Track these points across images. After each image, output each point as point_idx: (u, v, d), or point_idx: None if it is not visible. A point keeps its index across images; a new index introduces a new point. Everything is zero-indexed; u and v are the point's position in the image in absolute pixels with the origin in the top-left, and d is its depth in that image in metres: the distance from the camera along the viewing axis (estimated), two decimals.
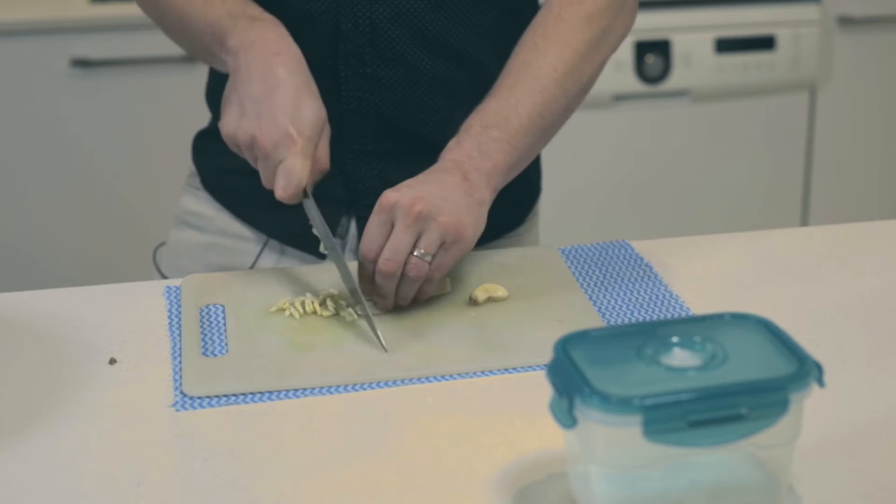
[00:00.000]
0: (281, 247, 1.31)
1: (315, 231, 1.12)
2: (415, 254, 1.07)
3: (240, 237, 1.33)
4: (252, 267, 1.32)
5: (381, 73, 1.25)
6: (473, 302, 1.11)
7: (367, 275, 1.09)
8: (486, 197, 1.11)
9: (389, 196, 1.07)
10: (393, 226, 1.07)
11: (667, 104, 2.56)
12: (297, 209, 1.12)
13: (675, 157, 2.62)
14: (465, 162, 1.12)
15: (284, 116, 1.08)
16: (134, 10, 2.32)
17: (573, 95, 1.19)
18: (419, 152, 1.23)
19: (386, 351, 1.04)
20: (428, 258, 1.07)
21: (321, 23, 1.23)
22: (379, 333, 1.05)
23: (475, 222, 1.09)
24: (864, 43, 2.63)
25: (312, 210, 1.11)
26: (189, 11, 1.19)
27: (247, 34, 1.13)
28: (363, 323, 1.08)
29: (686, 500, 0.79)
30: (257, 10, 1.17)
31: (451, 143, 1.15)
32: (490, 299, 1.12)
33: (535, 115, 1.16)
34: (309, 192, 1.10)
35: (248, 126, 1.09)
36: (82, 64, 2.35)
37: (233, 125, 1.10)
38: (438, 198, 1.07)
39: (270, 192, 1.12)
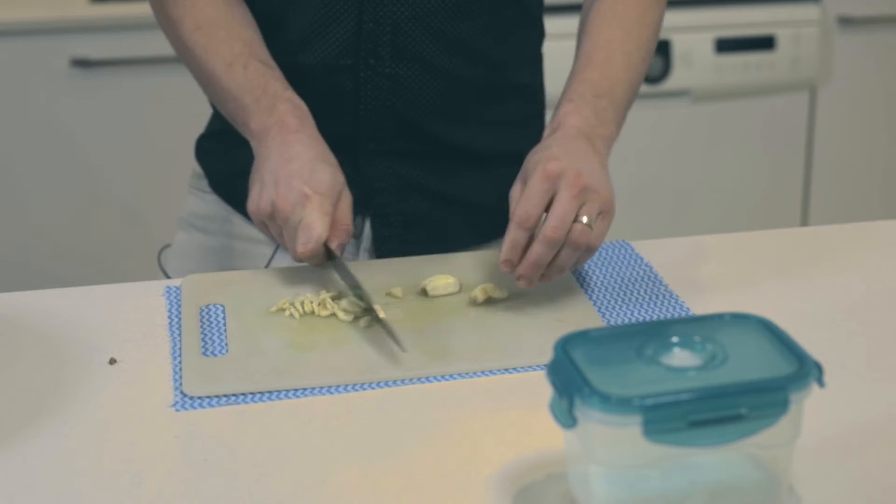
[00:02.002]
0: None
1: (351, 291, 1.12)
2: (580, 221, 1.05)
3: (252, 240, 1.33)
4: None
5: (400, 72, 1.25)
6: (473, 302, 1.11)
7: (519, 246, 1.05)
8: (606, 165, 1.13)
9: (554, 166, 1.06)
10: (554, 196, 1.05)
11: (667, 104, 2.56)
12: None
13: (676, 157, 2.62)
14: (588, 130, 1.13)
15: (299, 180, 1.11)
16: (134, 10, 2.34)
17: (648, 68, 1.25)
18: (434, 152, 1.24)
19: (404, 350, 1.03)
20: (589, 223, 1.05)
21: (344, 22, 1.23)
22: (396, 335, 1.03)
23: (613, 192, 1.10)
24: (864, 43, 2.63)
25: (342, 272, 1.11)
26: (213, 72, 1.21)
27: (267, 118, 1.16)
28: (360, 324, 1.08)
29: (686, 500, 0.79)
30: (279, 86, 1.19)
31: (568, 108, 1.15)
32: (490, 299, 1.12)
33: (630, 87, 1.20)
34: (336, 253, 1.11)
35: (268, 195, 1.11)
36: (82, 64, 2.35)
37: (255, 200, 1.13)
38: (590, 170, 1.07)
39: None
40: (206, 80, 1.23)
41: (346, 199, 1.14)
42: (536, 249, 1.04)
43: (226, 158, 1.35)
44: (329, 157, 1.15)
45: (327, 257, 1.12)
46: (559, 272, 1.07)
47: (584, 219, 1.05)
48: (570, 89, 1.17)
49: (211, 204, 1.36)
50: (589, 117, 1.14)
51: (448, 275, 1.14)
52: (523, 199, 1.05)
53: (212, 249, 1.35)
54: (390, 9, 1.23)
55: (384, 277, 1.16)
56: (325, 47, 1.23)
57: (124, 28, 2.35)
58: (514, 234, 1.05)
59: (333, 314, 1.09)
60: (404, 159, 1.28)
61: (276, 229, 1.13)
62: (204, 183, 1.37)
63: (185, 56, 1.25)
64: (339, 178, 1.14)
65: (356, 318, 1.09)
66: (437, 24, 1.24)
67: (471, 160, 1.30)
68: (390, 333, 1.04)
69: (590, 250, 1.07)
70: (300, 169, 1.12)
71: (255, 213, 1.14)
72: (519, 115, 1.33)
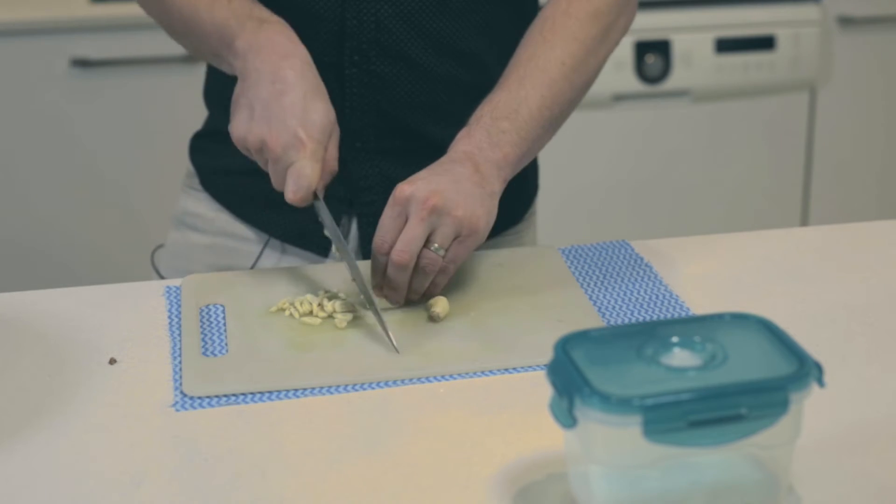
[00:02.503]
0: (282, 246, 1.32)
1: (326, 233, 1.12)
2: (429, 248, 1.07)
3: (240, 237, 1.33)
4: (252, 267, 1.32)
5: (385, 70, 1.25)
6: (435, 318, 1.09)
7: (380, 268, 1.09)
8: (497, 188, 1.12)
9: (404, 189, 1.08)
10: (407, 219, 1.08)
11: (667, 104, 2.56)
12: (299, 209, 1.12)
13: (675, 157, 2.62)
14: (476, 153, 1.12)
15: (294, 119, 1.08)
16: (134, 10, 2.33)
17: (579, 89, 1.21)
18: (420, 150, 1.23)
19: (398, 352, 1.03)
20: (441, 252, 1.08)
21: (327, 20, 1.23)
22: (390, 334, 1.05)
23: (488, 213, 1.10)
24: (864, 43, 2.63)
25: (323, 212, 1.11)
26: (194, 13, 1.19)
27: (255, 37, 1.13)
28: (368, 323, 1.08)
29: (686, 500, 0.79)
30: (265, 12, 1.17)
31: (462, 134, 1.15)
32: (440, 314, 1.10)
33: (544, 108, 1.17)
34: (319, 194, 1.11)
35: (258, 129, 1.09)
36: (82, 64, 2.35)
37: (243, 128, 1.11)
38: (452, 191, 1.08)
39: (272, 192, 1.12)
40: (188, 27, 1.20)
41: (335, 138, 1.13)
42: (390, 272, 1.08)
43: (216, 157, 1.35)
44: (321, 88, 1.12)
45: (313, 198, 1.11)
46: (415, 293, 1.10)
47: (435, 245, 1.07)
48: (474, 113, 1.17)
49: (202, 202, 1.36)
50: (479, 141, 1.13)
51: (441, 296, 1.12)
52: (378, 226, 1.09)
53: (202, 247, 1.35)
54: (373, 7, 1.23)
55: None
56: (309, 44, 1.23)
57: (124, 28, 2.35)
58: (374, 260, 1.10)
59: (331, 316, 1.09)
60: (391, 158, 1.28)
61: (262, 160, 1.11)
62: (196, 181, 1.37)
63: (165, 15, 1.23)
64: (332, 115, 1.12)
65: (355, 318, 1.09)
66: (423, 22, 1.24)
67: None
68: (385, 332, 1.05)
69: (444, 273, 1.10)
70: (293, 105, 1.09)
71: (241, 142, 1.11)
72: None
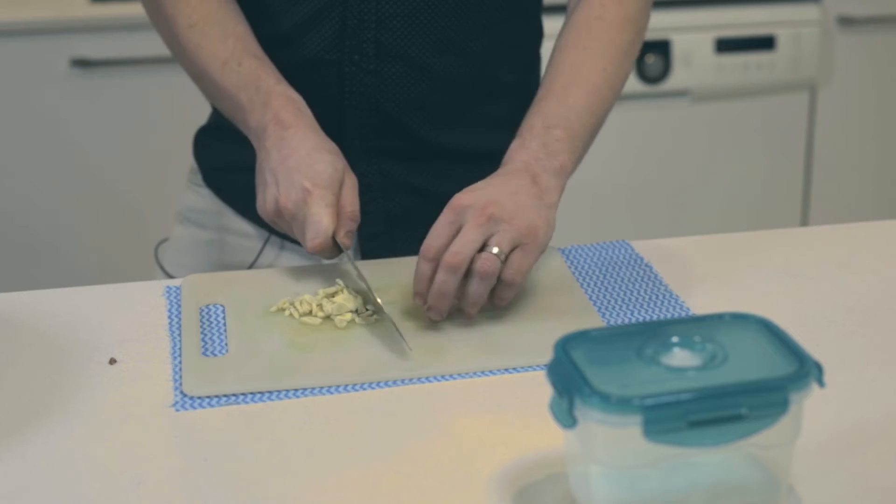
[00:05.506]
0: (281, 242, 1.32)
1: (352, 288, 1.11)
2: (485, 250, 1.04)
3: (241, 234, 1.34)
4: (253, 264, 1.32)
5: (384, 69, 1.25)
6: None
7: (425, 277, 1.05)
8: (555, 199, 1.11)
9: (461, 198, 1.06)
10: (461, 227, 1.05)
11: (667, 104, 2.56)
12: None
13: (675, 157, 2.62)
14: (534, 163, 1.12)
15: (299, 175, 1.11)
16: (134, 10, 2.33)
17: (617, 93, 1.22)
18: (420, 150, 1.23)
19: (410, 350, 1.03)
20: (499, 254, 1.04)
21: (328, 18, 1.24)
22: (402, 334, 1.04)
23: (547, 224, 1.08)
24: (864, 43, 2.63)
25: (350, 264, 1.11)
26: (208, 71, 1.21)
27: (262, 116, 1.16)
28: (368, 323, 1.08)
29: (686, 500, 0.79)
30: (271, 80, 1.18)
31: (516, 144, 1.14)
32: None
33: (591, 115, 1.18)
34: (344, 245, 1.10)
35: (271, 195, 1.12)
36: (82, 64, 2.35)
37: (261, 201, 1.14)
38: (510, 202, 1.06)
39: None
40: (202, 79, 1.24)
41: (350, 185, 1.13)
42: (439, 277, 1.04)
43: (217, 152, 1.36)
44: (326, 145, 1.14)
45: (339, 249, 1.11)
46: (474, 305, 1.05)
47: (494, 249, 1.04)
48: (524, 122, 1.16)
49: (204, 198, 1.37)
50: (536, 151, 1.13)
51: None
52: (430, 232, 1.06)
53: (205, 243, 1.36)
54: (375, 5, 1.23)
55: (386, 277, 1.16)
56: (310, 42, 1.24)
57: (124, 28, 2.35)
58: (419, 267, 1.06)
59: (331, 316, 1.09)
60: (390, 157, 1.28)
61: (287, 227, 1.13)
62: (198, 177, 1.38)
63: (179, 54, 1.25)
64: (339, 164, 1.13)
65: (358, 313, 1.09)
66: (424, 21, 1.24)
67: (457, 159, 1.30)
68: (398, 332, 1.04)
69: (508, 284, 1.05)
70: (298, 164, 1.12)
71: (263, 214, 1.14)
72: (511, 115, 1.33)
